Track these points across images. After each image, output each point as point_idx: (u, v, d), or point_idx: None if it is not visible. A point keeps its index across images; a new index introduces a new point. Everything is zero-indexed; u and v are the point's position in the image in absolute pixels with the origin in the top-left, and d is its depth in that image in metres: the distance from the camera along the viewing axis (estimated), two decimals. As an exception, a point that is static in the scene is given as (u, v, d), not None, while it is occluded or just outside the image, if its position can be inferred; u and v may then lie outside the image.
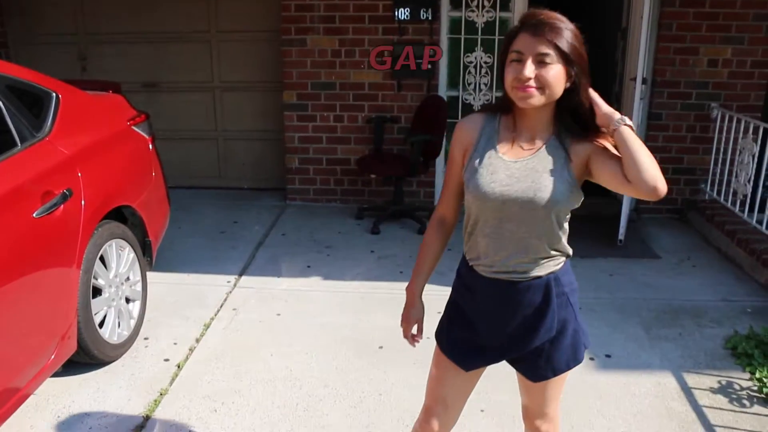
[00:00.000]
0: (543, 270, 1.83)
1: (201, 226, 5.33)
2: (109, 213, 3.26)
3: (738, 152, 4.98)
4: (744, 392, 3.20)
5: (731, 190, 5.05)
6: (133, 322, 3.49)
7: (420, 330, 2.05)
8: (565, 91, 1.70)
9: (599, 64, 4.73)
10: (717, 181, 5.29)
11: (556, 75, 1.65)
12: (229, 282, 4.31)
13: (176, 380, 3.19)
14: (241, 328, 3.71)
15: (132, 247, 3.48)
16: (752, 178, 4.77)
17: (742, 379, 3.30)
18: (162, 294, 4.07)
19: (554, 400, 2.05)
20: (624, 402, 3.09)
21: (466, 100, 5.86)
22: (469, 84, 5.82)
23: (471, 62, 5.74)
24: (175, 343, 3.52)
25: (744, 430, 2.92)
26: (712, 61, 5.35)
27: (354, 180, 5.96)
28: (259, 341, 3.58)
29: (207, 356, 3.41)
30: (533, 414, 2.10)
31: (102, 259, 3.19)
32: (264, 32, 5.87)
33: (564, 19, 1.66)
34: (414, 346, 2.08)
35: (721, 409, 3.06)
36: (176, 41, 5.98)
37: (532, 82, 1.65)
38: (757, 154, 4.74)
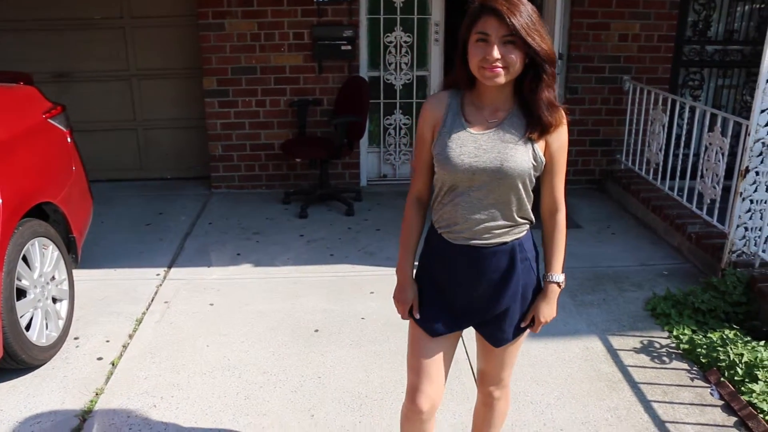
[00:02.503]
0: (509, 236, 1.93)
1: (125, 220, 5.19)
2: (29, 211, 3.14)
3: (650, 123, 5.22)
4: (663, 350, 3.40)
5: (645, 160, 5.30)
6: (61, 323, 3.38)
7: (416, 308, 2.05)
8: (526, 67, 1.78)
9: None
10: (631, 151, 5.54)
11: (519, 55, 1.74)
12: (158, 275, 4.22)
13: (112, 378, 3.12)
14: (174, 321, 3.65)
15: (56, 244, 3.36)
16: (663, 147, 5.01)
17: (661, 338, 3.50)
18: (90, 291, 3.95)
19: (510, 366, 2.15)
20: (556, 368, 3.23)
21: (388, 80, 5.89)
22: (390, 64, 5.85)
23: (391, 42, 5.77)
24: (107, 341, 3.43)
25: (664, 384, 3.12)
26: (622, 36, 5.57)
27: (279, 165, 5.91)
28: (194, 333, 3.53)
29: (142, 352, 3.34)
30: (489, 380, 2.19)
31: (25, 259, 3.07)
32: (180, 17, 5.72)
33: (524, 0, 1.74)
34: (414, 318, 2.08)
35: (644, 367, 3.25)
36: (87, 28, 5.74)
37: (499, 63, 1.73)
38: (667, 125, 4.98)
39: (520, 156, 1.82)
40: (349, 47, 5.57)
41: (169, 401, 2.96)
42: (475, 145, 1.84)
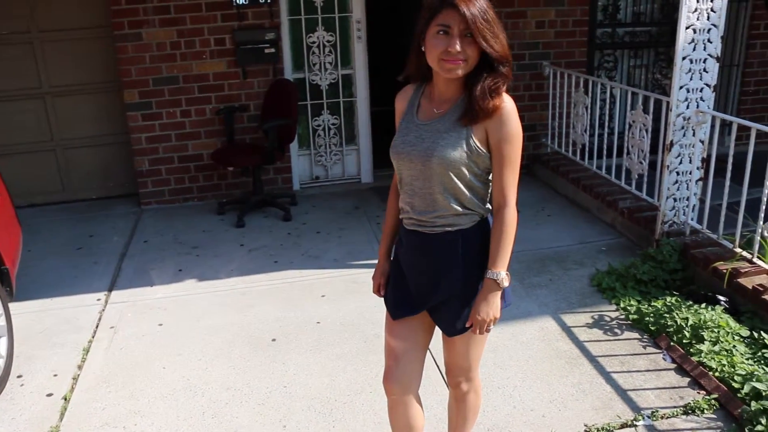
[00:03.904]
0: (452, 226, 1.95)
1: (53, 246, 4.93)
2: (-42, 246, 2.95)
3: (572, 105, 5.39)
4: (614, 322, 3.54)
5: (570, 141, 5.47)
6: (2, 361, 3.18)
7: (383, 285, 2.22)
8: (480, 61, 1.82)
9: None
10: (557, 134, 5.71)
11: (476, 49, 1.79)
12: (99, 300, 4.04)
13: (66, 414, 2.97)
14: (124, 346, 3.51)
15: (-11, 279, 3.17)
16: (588, 128, 5.20)
17: (610, 311, 3.64)
18: (28, 324, 3.74)
19: (473, 359, 2.16)
20: (515, 351, 3.30)
21: (313, 80, 5.84)
22: (314, 64, 5.80)
23: (314, 42, 5.73)
24: (55, 375, 3.26)
25: (620, 355, 3.24)
26: (539, 23, 5.73)
27: (209, 175, 5.78)
28: (148, 356, 3.41)
29: (95, 382, 3.20)
30: (454, 372, 2.20)
31: (-42, 297, 2.89)
32: (94, 29, 5.46)
33: None
34: (380, 296, 2.25)
35: (598, 341, 3.37)
36: (-10, 46, 5.42)
37: (460, 55, 1.78)
38: (590, 106, 5.16)
39: (450, 145, 1.85)
40: (272, 50, 5.49)
41: (132, 430, 2.85)
42: (415, 134, 1.92)
